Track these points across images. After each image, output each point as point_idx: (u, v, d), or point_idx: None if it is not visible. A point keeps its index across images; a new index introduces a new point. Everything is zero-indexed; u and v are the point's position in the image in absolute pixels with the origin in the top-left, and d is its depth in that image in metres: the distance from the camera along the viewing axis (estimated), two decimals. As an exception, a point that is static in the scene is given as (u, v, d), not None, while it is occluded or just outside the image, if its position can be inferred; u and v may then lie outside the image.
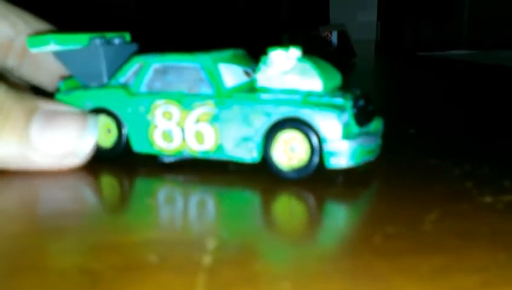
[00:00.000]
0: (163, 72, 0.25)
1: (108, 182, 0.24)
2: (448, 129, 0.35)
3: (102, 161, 0.26)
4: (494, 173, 0.24)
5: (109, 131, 0.26)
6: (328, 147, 0.22)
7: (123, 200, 0.22)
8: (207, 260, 0.16)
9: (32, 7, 0.30)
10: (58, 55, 0.26)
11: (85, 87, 0.26)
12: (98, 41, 0.26)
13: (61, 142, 0.24)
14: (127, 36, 0.28)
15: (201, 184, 0.23)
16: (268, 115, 0.23)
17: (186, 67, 0.25)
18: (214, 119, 0.24)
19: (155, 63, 0.25)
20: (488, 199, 0.21)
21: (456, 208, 0.20)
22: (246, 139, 0.23)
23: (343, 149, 0.22)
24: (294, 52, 0.24)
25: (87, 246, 0.17)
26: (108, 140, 0.26)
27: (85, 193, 0.23)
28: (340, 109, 0.22)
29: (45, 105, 0.24)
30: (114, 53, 0.26)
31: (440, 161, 0.26)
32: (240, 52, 0.27)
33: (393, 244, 0.17)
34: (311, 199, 0.21)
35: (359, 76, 0.65)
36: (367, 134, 0.23)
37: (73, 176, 0.24)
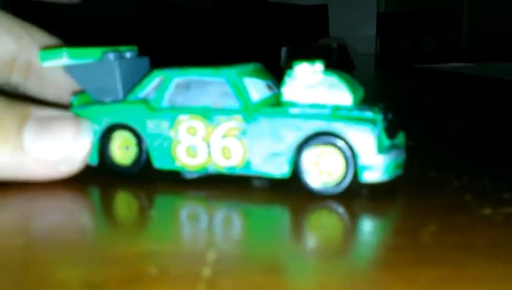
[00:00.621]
0: (185, 86, 0.24)
1: (119, 196, 0.24)
2: (447, 141, 0.35)
3: (120, 179, 0.25)
4: (493, 186, 0.24)
5: (127, 148, 0.25)
6: (361, 161, 0.22)
7: (126, 213, 0.23)
8: (207, 271, 0.16)
9: (35, 21, 0.30)
10: (69, 69, 0.26)
11: (101, 102, 0.26)
12: (111, 55, 0.25)
13: (56, 147, 0.23)
14: (135, 50, 0.28)
15: (225, 200, 0.23)
16: (299, 129, 0.23)
17: (210, 81, 0.24)
18: (242, 134, 0.23)
19: (177, 77, 0.25)
20: (487, 211, 0.21)
21: (455, 220, 0.20)
22: (275, 154, 0.23)
23: (377, 163, 0.22)
24: (319, 66, 0.24)
25: (89, 259, 0.17)
26: (127, 157, 0.25)
27: (88, 207, 0.23)
28: (372, 122, 0.22)
29: (37, 111, 0.24)
30: (127, 67, 0.26)
31: (439, 173, 0.26)
32: (258, 66, 0.26)
33: (393, 256, 0.17)
34: (323, 211, 0.21)
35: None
36: (396, 147, 0.23)
37: (84, 191, 0.24)
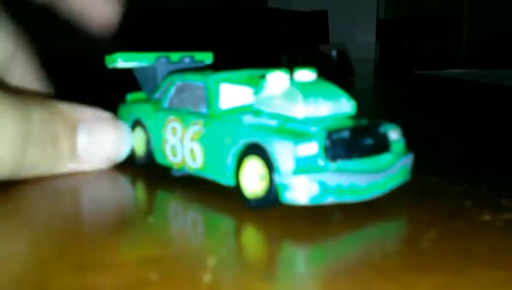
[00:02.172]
0: (181, 89, 0.26)
1: (118, 200, 0.24)
2: (447, 147, 0.35)
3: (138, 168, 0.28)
4: (492, 191, 0.24)
5: (146, 143, 0.27)
6: (283, 179, 0.20)
7: (123, 218, 0.23)
8: (207, 277, 0.16)
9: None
10: (134, 70, 0.30)
11: (138, 101, 0.29)
12: (163, 60, 0.29)
13: (102, 151, 0.26)
14: (206, 56, 0.30)
15: (225, 205, 0.23)
16: (239, 139, 0.22)
17: (197, 86, 0.25)
18: (201, 139, 0.24)
19: (178, 81, 0.26)
20: (486, 217, 0.21)
21: (454, 226, 0.20)
22: (221, 162, 0.23)
23: (298, 184, 0.20)
24: (303, 74, 0.23)
25: (88, 264, 0.17)
26: (141, 150, 0.28)
27: (87, 209, 0.23)
28: (302, 138, 0.20)
29: (83, 115, 0.26)
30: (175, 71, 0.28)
31: (439, 179, 0.26)
32: (262, 73, 0.25)
33: (392, 262, 0.17)
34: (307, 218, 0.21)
35: (358, 94, 0.65)
36: (347, 170, 0.21)
37: (83, 196, 0.24)
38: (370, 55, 1.37)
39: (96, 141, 0.26)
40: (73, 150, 0.25)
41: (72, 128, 0.25)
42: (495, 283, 0.16)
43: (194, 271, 0.16)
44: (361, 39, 1.39)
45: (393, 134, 0.23)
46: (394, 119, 0.24)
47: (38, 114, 0.24)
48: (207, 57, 0.31)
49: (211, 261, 0.17)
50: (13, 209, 0.23)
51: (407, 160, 0.23)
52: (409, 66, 1.08)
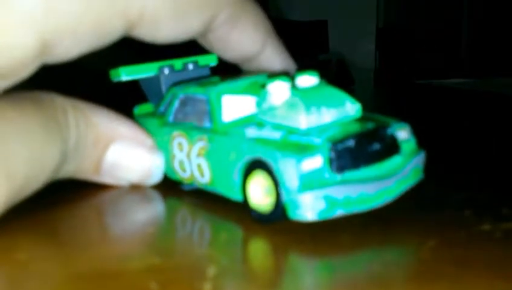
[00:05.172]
0: (184, 103, 0.25)
1: (118, 210, 0.24)
2: (447, 156, 0.35)
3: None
4: (492, 201, 0.24)
5: None
6: (289, 196, 0.20)
7: (125, 227, 0.23)
8: (207, 287, 0.16)
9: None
10: (141, 82, 0.29)
11: (145, 115, 0.28)
12: (166, 69, 0.28)
13: (129, 174, 0.26)
14: (210, 59, 0.29)
15: (226, 215, 0.23)
16: (244, 155, 0.22)
17: (199, 99, 0.25)
18: (207, 155, 0.24)
19: (180, 94, 0.26)
20: (486, 227, 0.21)
21: (454, 236, 0.20)
22: (228, 177, 0.23)
23: (305, 201, 0.19)
24: (305, 79, 0.22)
25: (88, 274, 0.17)
26: None
27: (89, 216, 0.23)
28: (306, 152, 0.20)
29: (119, 133, 0.25)
30: (181, 79, 0.28)
31: (438, 188, 0.26)
32: (263, 79, 0.25)
33: (391, 272, 0.17)
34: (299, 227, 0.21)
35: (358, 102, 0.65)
36: (355, 181, 0.20)
37: (83, 206, 0.24)
38: (370, 64, 1.38)
39: (124, 164, 0.25)
40: (98, 165, 0.25)
41: (104, 146, 0.25)
42: (495, 292, 0.16)
43: (195, 281, 0.16)
44: (361, 48, 1.39)
45: (403, 133, 0.23)
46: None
47: (76, 132, 0.23)
48: (211, 60, 0.30)
49: (212, 271, 0.17)
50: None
51: (419, 159, 0.23)
52: (408, 75, 1.08)
